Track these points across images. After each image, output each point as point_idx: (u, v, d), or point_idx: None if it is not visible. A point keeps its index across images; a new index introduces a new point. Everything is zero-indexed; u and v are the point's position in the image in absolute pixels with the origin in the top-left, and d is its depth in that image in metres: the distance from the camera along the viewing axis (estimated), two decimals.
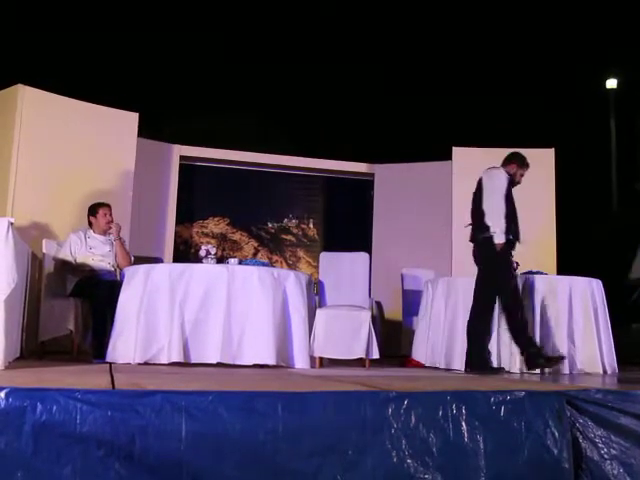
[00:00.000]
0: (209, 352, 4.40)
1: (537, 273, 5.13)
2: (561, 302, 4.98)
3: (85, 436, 2.16)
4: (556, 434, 2.59)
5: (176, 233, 7.77)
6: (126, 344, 4.45)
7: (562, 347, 4.87)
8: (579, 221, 9.05)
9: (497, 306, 4.77)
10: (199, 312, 4.46)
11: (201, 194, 8.19)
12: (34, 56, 7.79)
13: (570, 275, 5.21)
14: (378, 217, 8.12)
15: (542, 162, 6.78)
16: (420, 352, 5.39)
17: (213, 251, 4.95)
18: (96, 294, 4.89)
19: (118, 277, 5.23)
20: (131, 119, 6.69)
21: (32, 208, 5.85)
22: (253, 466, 2.27)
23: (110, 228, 5.35)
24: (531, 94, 9.08)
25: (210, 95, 8.91)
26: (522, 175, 4.92)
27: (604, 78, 10.93)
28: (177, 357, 4.33)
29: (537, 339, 4.80)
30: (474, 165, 6.95)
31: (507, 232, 4.59)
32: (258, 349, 4.43)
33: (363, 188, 8.42)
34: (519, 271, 5.01)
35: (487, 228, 4.61)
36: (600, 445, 2.67)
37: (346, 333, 5.00)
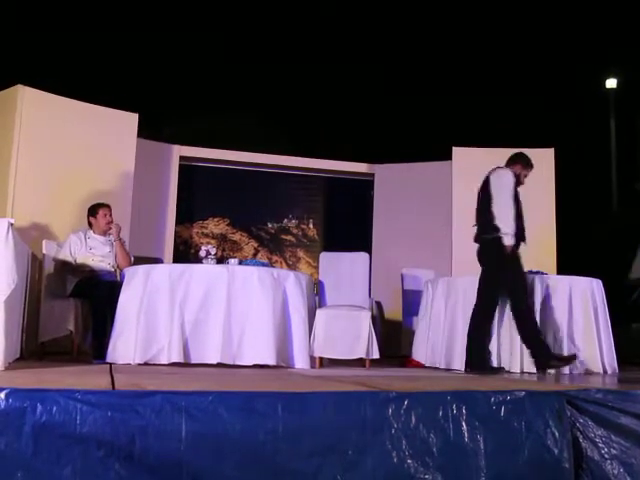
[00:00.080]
0: (209, 352, 4.40)
1: (537, 273, 5.13)
2: (561, 302, 4.98)
3: (85, 436, 2.16)
4: (556, 434, 2.59)
5: (176, 233, 7.77)
6: (126, 344, 4.45)
7: (562, 347, 4.86)
8: (579, 221, 9.05)
9: (499, 307, 4.76)
10: (199, 312, 4.46)
11: (201, 194, 8.19)
12: (34, 56, 7.79)
13: (570, 275, 5.21)
14: (378, 217, 8.13)
15: (542, 162, 6.76)
16: (420, 352, 5.39)
17: (213, 251, 4.96)
18: (96, 295, 4.89)
19: (118, 277, 5.23)
20: (131, 119, 6.69)
21: (32, 209, 5.85)
22: (253, 466, 2.27)
23: (110, 229, 5.35)
24: (531, 94, 9.08)
25: (210, 95, 8.91)
26: (526, 176, 4.91)
27: (604, 78, 10.93)
28: (177, 357, 4.33)
29: None
30: (474, 165, 6.97)
31: (517, 234, 4.58)
32: (258, 349, 4.43)
33: (363, 188, 8.42)
34: None
35: (496, 229, 4.58)
36: (600, 445, 2.67)
37: (346, 333, 5.00)
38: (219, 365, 4.37)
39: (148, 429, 2.20)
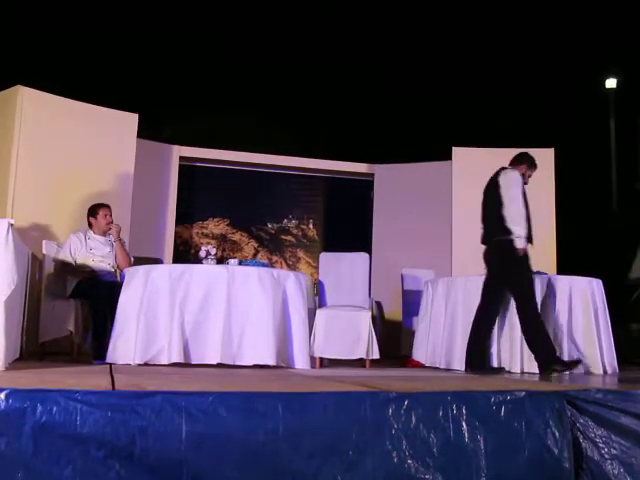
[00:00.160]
0: (209, 353, 4.40)
1: (537, 273, 5.13)
2: (561, 302, 4.98)
3: (85, 437, 2.16)
4: (556, 434, 2.59)
5: (176, 234, 7.77)
6: (126, 345, 4.45)
7: (562, 347, 4.86)
8: (579, 221, 9.05)
9: (500, 307, 4.76)
10: (199, 313, 4.46)
11: (201, 195, 8.19)
12: (34, 57, 7.80)
13: (570, 275, 5.21)
14: (378, 217, 8.13)
15: (542, 162, 6.69)
16: (420, 352, 5.39)
17: (213, 252, 4.95)
18: (96, 295, 4.89)
19: (118, 278, 5.23)
20: (131, 120, 6.69)
21: (32, 209, 5.85)
22: (253, 467, 2.27)
23: (110, 229, 5.35)
24: (531, 94, 9.09)
25: (210, 95, 8.92)
26: (530, 176, 4.90)
27: (604, 78, 10.94)
28: (177, 358, 4.33)
29: None
30: (474, 165, 6.99)
31: (529, 236, 4.57)
32: (258, 349, 4.42)
33: (363, 188, 8.43)
34: None
35: (508, 231, 4.54)
36: (600, 445, 2.67)
37: (346, 333, 5.00)
38: (219, 365, 4.37)
39: (148, 429, 2.20)
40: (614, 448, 2.67)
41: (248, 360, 4.41)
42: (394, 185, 8.06)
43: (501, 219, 4.59)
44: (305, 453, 2.33)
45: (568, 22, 9.06)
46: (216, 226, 8.22)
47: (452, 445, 2.48)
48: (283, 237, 8.43)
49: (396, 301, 6.82)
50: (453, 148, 7.44)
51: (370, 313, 5.17)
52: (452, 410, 2.52)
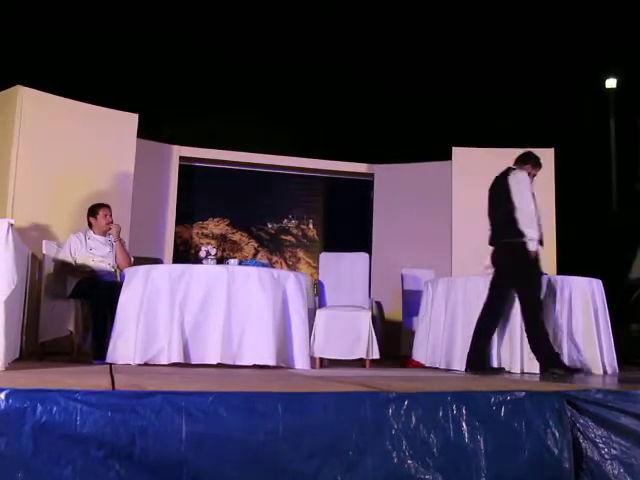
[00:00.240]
0: (209, 353, 4.40)
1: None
2: (561, 302, 4.98)
3: (85, 437, 2.16)
4: (556, 434, 2.59)
5: (176, 234, 7.77)
6: (126, 345, 4.45)
7: (562, 347, 4.86)
8: (579, 221, 9.05)
9: (506, 305, 4.75)
10: (199, 313, 4.45)
11: (201, 195, 8.19)
12: (34, 57, 7.80)
13: (570, 275, 5.21)
14: (378, 217, 8.13)
15: (542, 162, 6.76)
16: (420, 352, 5.38)
17: (213, 252, 4.95)
18: (96, 295, 4.89)
19: (118, 278, 5.23)
20: (131, 120, 6.69)
21: (32, 209, 5.85)
22: (253, 467, 2.27)
23: (110, 229, 5.35)
24: (531, 94, 9.09)
25: (210, 95, 8.92)
26: (535, 175, 4.89)
27: (604, 78, 10.94)
28: (177, 358, 4.33)
29: None
30: (474, 165, 6.99)
31: (540, 238, 4.56)
32: (258, 350, 4.42)
33: (363, 188, 8.42)
34: None
35: (520, 234, 4.51)
36: (601, 445, 2.67)
37: (346, 333, 5.00)
38: (219, 365, 4.37)
39: (148, 429, 2.20)
40: (614, 448, 2.67)
41: (248, 360, 4.41)
42: (394, 185, 8.06)
43: (512, 221, 4.55)
44: (305, 453, 2.33)
45: (568, 22, 9.06)
46: (216, 226, 8.22)
47: (452, 445, 2.48)
48: (283, 237, 8.43)
49: (396, 301, 6.82)
50: (453, 148, 7.44)
51: (370, 313, 5.16)
52: (452, 410, 2.52)
